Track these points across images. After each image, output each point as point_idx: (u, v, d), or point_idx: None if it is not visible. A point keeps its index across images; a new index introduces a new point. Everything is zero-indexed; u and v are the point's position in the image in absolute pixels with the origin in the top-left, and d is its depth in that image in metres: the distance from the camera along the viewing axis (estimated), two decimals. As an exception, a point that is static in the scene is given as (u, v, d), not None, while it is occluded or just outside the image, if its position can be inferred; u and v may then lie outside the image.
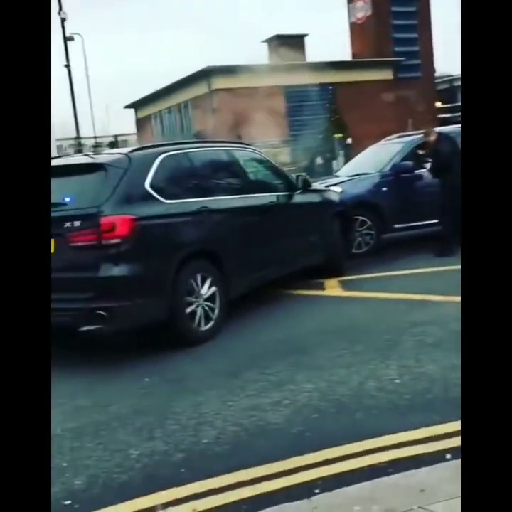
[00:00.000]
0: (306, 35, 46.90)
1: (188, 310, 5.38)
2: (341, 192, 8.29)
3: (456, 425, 3.44)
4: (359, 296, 6.80)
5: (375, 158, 9.82)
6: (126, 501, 3.03)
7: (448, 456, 3.13)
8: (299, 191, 7.09)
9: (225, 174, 6.38)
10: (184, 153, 5.87)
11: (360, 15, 45.60)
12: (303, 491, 2.93)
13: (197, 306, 5.47)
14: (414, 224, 9.14)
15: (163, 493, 3.07)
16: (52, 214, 5.02)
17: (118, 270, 4.92)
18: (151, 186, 5.30)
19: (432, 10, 46.73)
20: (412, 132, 10.67)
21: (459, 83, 52.80)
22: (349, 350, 4.94)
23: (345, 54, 47.12)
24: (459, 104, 50.81)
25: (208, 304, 5.59)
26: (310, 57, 44.79)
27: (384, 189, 9.02)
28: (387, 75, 42.97)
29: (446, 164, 8.24)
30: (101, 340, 6.22)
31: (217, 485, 3.10)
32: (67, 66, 21.43)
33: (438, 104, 47.89)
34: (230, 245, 5.86)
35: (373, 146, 10.80)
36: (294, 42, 45.61)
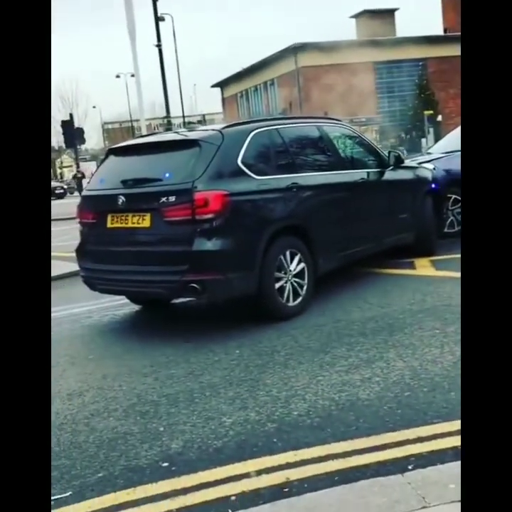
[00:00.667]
0: (396, 9, 45.56)
1: (277, 285, 5.43)
2: (434, 169, 8.07)
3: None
4: (451, 276, 6.61)
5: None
6: (221, 466, 3.13)
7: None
8: (390, 168, 6.95)
9: (315, 150, 6.33)
10: (275, 129, 5.87)
11: (453, -14, 43.65)
12: (395, 467, 2.92)
13: (286, 282, 5.51)
14: (511, 202, 8.76)
15: (257, 460, 3.15)
16: (149, 189, 5.25)
17: (211, 244, 5.02)
18: (243, 162, 5.35)
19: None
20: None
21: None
22: (441, 330, 4.84)
23: (436, 28, 45.46)
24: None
25: (297, 280, 5.62)
26: (400, 32, 43.51)
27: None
28: (481, 48, 41.12)
29: None
30: (194, 312, 6.44)
31: (308, 456, 3.14)
32: (159, 46, 21.79)
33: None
34: (319, 222, 5.84)
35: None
36: (384, 16, 44.45)
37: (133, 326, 6.21)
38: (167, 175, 5.16)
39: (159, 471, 3.18)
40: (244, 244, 5.19)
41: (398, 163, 7.05)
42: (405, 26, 54.70)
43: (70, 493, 3.02)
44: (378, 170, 6.84)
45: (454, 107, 37.72)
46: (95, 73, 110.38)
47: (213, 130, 5.56)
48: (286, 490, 2.85)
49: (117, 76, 56.36)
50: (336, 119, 7.12)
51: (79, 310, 6.75)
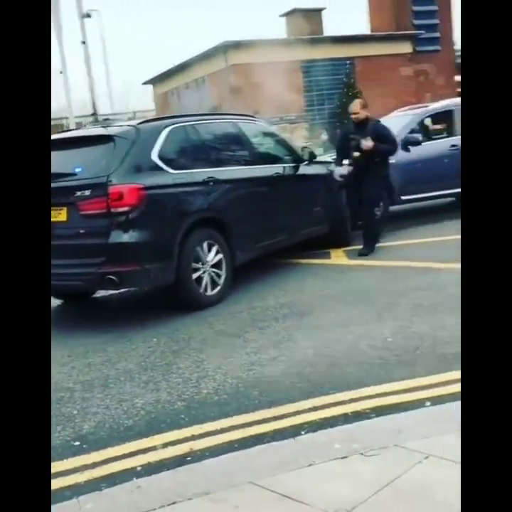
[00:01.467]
0: (323, 8, 46.34)
1: (195, 276, 5.63)
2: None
3: (439, 377, 3.69)
4: (364, 264, 7.00)
5: (384, 131, 9.90)
6: (129, 442, 3.31)
7: (427, 403, 3.36)
8: (304, 163, 7.26)
9: (231, 145, 6.56)
10: (191, 125, 6.07)
11: (378, -13, 44.87)
12: (290, 434, 3.18)
13: (203, 272, 5.72)
14: (421, 196, 9.27)
15: (164, 434, 3.35)
16: (64, 183, 5.34)
17: (127, 237, 5.17)
18: (159, 157, 5.53)
19: (453, -19, 45.92)
20: (420, 105, 10.71)
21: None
22: (348, 312, 5.17)
23: (363, 28, 46.58)
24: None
25: (215, 270, 5.83)
26: (328, 31, 44.35)
27: (392, 161, 9.13)
28: (406, 48, 42.37)
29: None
30: (115, 305, 6.55)
31: (213, 428, 3.37)
32: (84, 42, 21.55)
33: (457, 78, 47.17)
34: (235, 214, 6.07)
35: (383, 118, 10.85)
36: (312, 15, 45.21)
37: (54, 319, 6.27)
38: (80, 169, 5.28)
39: (71, 449, 3.33)
40: (160, 236, 5.37)
41: (312, 158, 7.37)
42: (333, 25, 55.72)
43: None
44: (293, 165, 7.13)
45: (380, 105, 38.77)
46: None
47: (128, 126, 5.70)
48: (189, 459, 3.07)
49: (45, 73, 55.09)
50: (252, 116, 7.37)
51: None
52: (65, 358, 4.83)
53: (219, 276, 5.88)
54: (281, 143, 7.33)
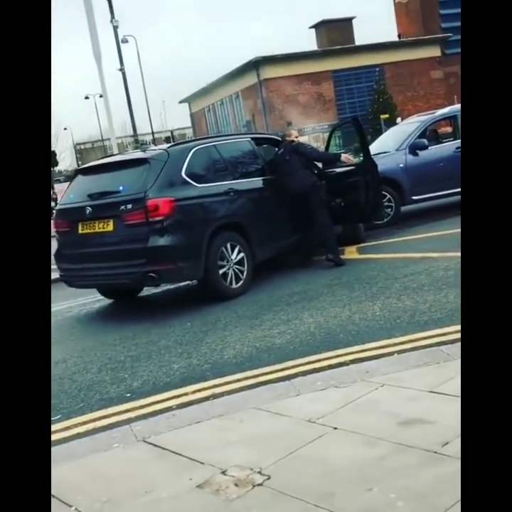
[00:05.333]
0: (353, 18, 47.13)
1: (221, 271, 6.71)
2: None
3: (409, 337, 4.64)
4: (372, 257, 7.95)
5: (394, 138, 10.85)
6: (167, 392, 4.38)
7: (395, 354, 4.32)
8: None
9: (247, 160, 7.64)
10: (213, 145, 7.19)
11: (404, -7, 45.54)
12: (287, 379, 4.19)
13: (228, 269, 6.79)
14: (430, 195, 10.14)
15: (194, 386, 4.40)
16: (110, 200, 6.51)
17: (163, 241, 6.29)
18: (187, 174, 6.65)
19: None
20: (428, 112, 11.56)
21: None
22: (348, 295, 6.15)
23: (392, 34, 47.20)
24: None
25: (238, 267, 6.90)
26: (358, 40, 45.13)
27: (401, 165, 10.06)
28: (435, 52, 42.83)
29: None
30: (157, 300, 7.69)
31: (231, 379, 4.41)
32: (122, 70, 23.08)
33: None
34: (254, 219, 7.14)
35: (394, 126, 11.78)
36: (342, 26, 46.07)
37: (105, 314, 7.44)
38: (122, 188, 6.43)
39: (124, 398, 4.42)
40: (190, 239, 6.47)
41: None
42: (363, 34, 56.38)
43: (59, 416, 4.25)
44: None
45: (412, 108, 39.28)
46: (64, 96, 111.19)
47: (161, 149, 6.85)
48: (212, 399, 4.12)
49: (86, 97, 57.49)
50: (266, 133, 8.42)
51: (59, 307, 7.95)
52: (117, 340, 5.96)
53: (242, 272, 6.94)
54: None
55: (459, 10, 45.07)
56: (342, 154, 8.58)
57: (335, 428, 3.24)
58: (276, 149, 7.96)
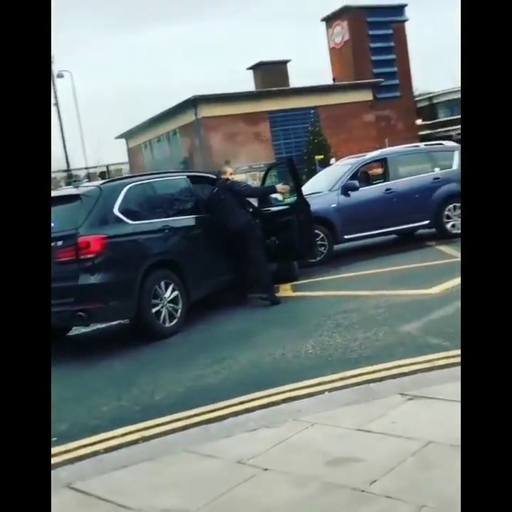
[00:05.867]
0: (288, 61, 48.51)
1: (154, 310, 6.62)
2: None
3: (340, 375, 4.69)
4: (305, 295, 8.06)
5: (327, 179, 11.14)
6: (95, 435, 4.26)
7: (326, 393, 4.35)
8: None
9: (183, 198, 7.66)
10: (147, 182, 7.18)
11: (338, 40, 47.47)
12: (219, 420, 4.14)
13: (162, 307, 6.71)
14: (361, 234, 10.42)
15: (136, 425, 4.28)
16: (40, 236, 6.36)
17: (93, 279, 6.18)
18: (120, 211, 6.59)
19: (408, 30, 48.70)
20: (359, 155, 11.96)
21: (438, 100, 54.55)
22: (281, 333, 6.19)
23: (327, 78, 48.84)
24: (439, 120, 52.52)
25: (172, 305, 6.83)
26: (293, 82, 46.41)
27: (333, 205, 10.31)
28: (367, 95, 44.58)
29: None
30: (86, 339, 7.49)
31: (162, 421, 4.32)
32: (56, 104, 22.87)
33: (418, 121, 49.48)
34: (188, 256, 7.12)
35: (327, 167, 12.11)
36: (277, 68, 47.34)
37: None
38: (54, 224, 6.30)
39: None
40: (122, 277, 6.37)
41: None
42: (297, 77, 58.01)
43: None
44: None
45: (345, 150, 40.52)
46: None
47: (93, 186, 6.78)
48: (140, 443, 4.02)
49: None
50: (201, 171, 8.49)
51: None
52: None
53: (176, 310, 6.87)
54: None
55: (389, 56, 47.25)
56: (277, 185, 8.66)
57: (265, 469, 3.22)
58: (212, 188, 8.02)
